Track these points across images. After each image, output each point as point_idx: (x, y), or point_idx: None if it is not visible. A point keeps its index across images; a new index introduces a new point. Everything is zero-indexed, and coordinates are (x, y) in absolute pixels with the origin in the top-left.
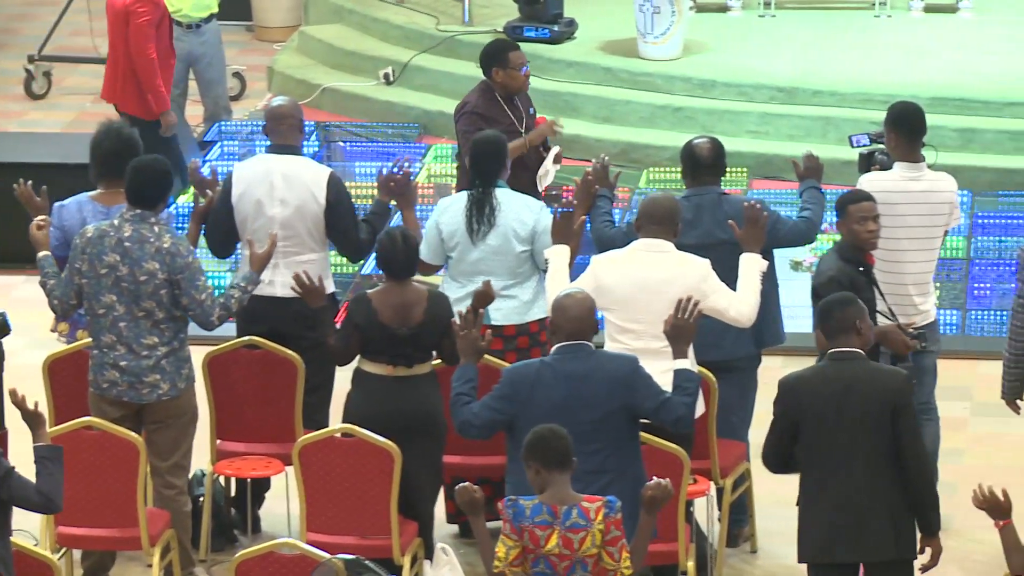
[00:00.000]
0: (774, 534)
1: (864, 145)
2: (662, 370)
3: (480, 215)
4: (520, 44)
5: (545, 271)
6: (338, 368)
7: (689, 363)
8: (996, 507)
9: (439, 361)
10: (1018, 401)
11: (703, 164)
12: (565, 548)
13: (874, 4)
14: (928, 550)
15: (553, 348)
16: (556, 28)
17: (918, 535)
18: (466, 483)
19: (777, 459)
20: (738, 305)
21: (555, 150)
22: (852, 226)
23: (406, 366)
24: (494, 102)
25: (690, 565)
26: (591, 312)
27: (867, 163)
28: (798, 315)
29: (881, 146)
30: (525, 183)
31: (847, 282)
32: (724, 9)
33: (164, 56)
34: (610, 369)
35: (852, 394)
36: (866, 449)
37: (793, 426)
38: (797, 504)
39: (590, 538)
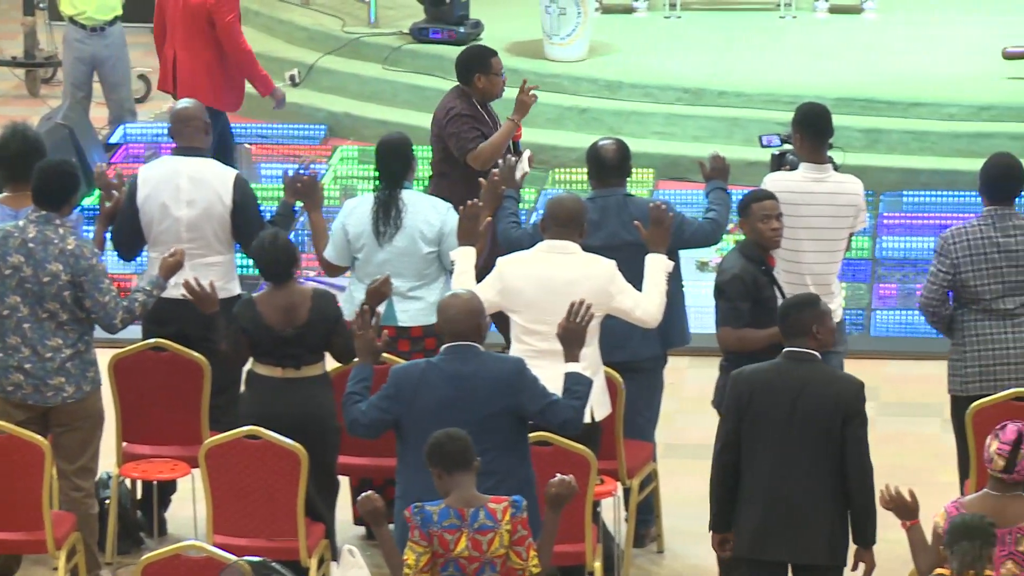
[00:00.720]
0: (681, 534)
1: (776, 145)
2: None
3: (386, 217)
4: (425, 46)
5: (452, 272)
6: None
7: (580, 367)
8: (903, 507)
9: (340, 365)
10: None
11: (608, 166)
12: (474, 550)
13: (779, 5)
14: (862, 565)
15: (441, 349)
16: (462, 30)
17: (850, 545)
18: (369, 492)
19: (729, 451)
20: (644, 306)
21: (527, 153)
22: (755, 224)
23: (294, 367)
24: (474, 107)
25: (597, 565)
26: (474, 313)
27: (779, 163)
28: (704, 315)
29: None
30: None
31: (750, 280)
32: (630, 10)
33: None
34: (495, 370)
35: (805, 395)
36: (811, 451)
37: (740, 420)
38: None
39: (498, 539)
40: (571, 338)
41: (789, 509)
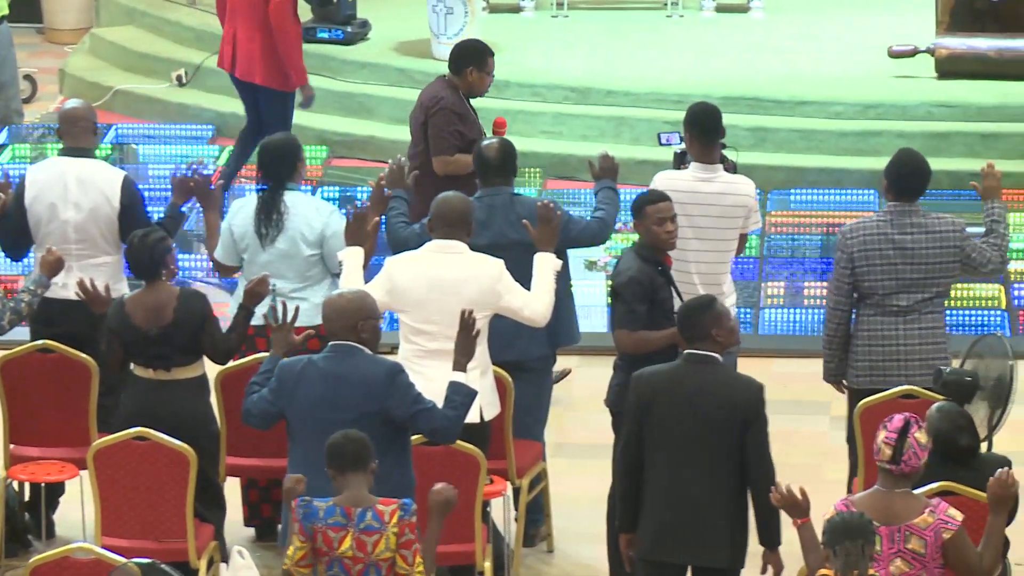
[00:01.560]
0: (570, 533)
1: (675, 144)
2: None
3: (268, 219)
4: (312, 46)
5: (338, 274)
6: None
7: (464, 376)
8: (794, 506)
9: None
10: (844, 382)
11: (491, 166)
12: (359, 551)
13: (666, 4)
14: (770, 567)
15: (327, 346)
16: (349, 29)
17: (751, 546)
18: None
19: (631, 452)
20: (533, 305)
21: None
22: (650, 227)
23: (164, 369)
24: (461, 101)
25: (487, 565)
26: (345, 313)
27: (680, 162)
28: (593, 315)
29: None
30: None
31: (647, 281)
32: (517, 9)
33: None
34: (367, 372)
35: (705, 397)
36: (711, 453)
37: (641, 422)
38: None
39: (384, 541)
40: (461, 347)
41: (690, 512)
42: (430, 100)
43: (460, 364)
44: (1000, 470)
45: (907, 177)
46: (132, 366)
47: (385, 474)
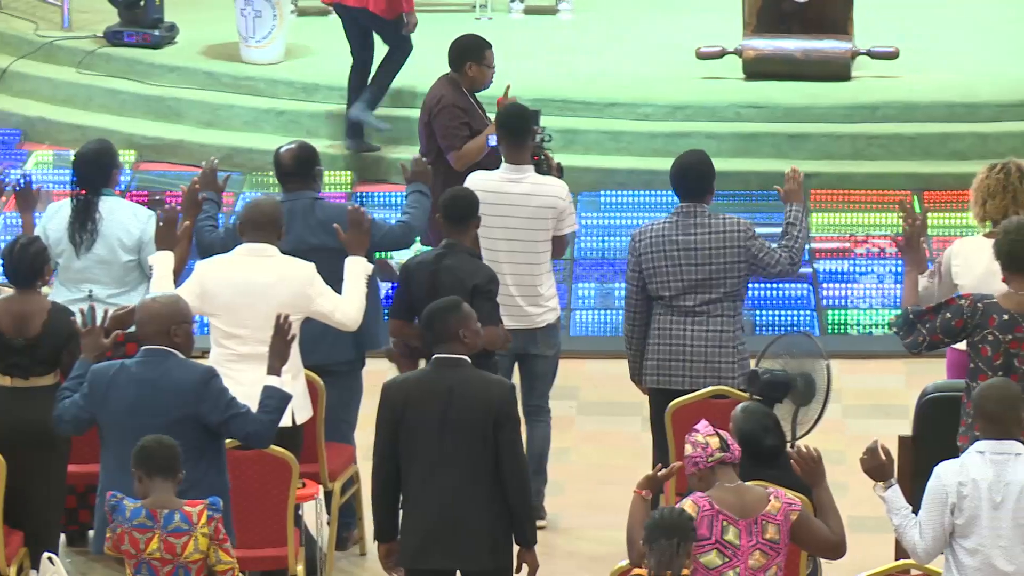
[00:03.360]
0: None
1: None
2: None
3: (83, 225)
4: (120, 49)
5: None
6: None
7: (278, 380)
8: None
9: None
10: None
11: (284, 170)
12: (167, 552)
13: (475, 6)
14: (525, 566)
15: (140, 350)
16: (157, 33)
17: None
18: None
19: (387, 462)
20: (343, 308)
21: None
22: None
23: (22, 377)
24: (464, 96)
25: (300, 569)
26: (157, 318)
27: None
28: None
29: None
30: None
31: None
32: (326, 12)
33: None
34: (178, 378)
35: (455, 400)
36: (466, 456)
37: (396, 430)
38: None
39: (193, 542)
40: (275, 352)
41: (450, 517)
42: (432, 100)
43: (274, 368)
44: (790, 450)
45: (685, 178)
46: None
47: (198, 478)
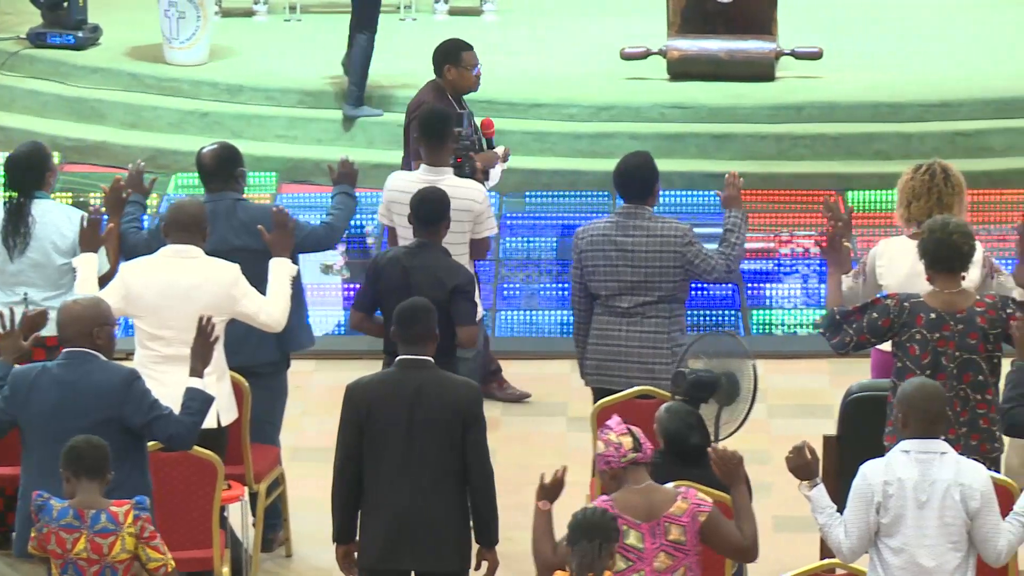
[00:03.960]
0: (309, 538)
1: None
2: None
3: (16, 228)
4: (43, 51)
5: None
6: None
7: (201, 382)
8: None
9: None
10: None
11: (207, 171)
12: (94, 553)
13: (399, 7)
14: (484, 563)
15: (61, 352)
16: (80, 34)
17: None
18: None
19: (350, 464)
20: (268, 310)
21: (502, 149)
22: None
23: None
24: (446, 101)
25: (225, 571)
26: (79, 320)
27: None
28: (330, 318)
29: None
30: None
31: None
32: (250, 13)
33: None
34: (100, 380)
35: (422, 402)
36: (434, 458)
37: (361, 432)
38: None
39: (120, 542)
40: (198, 353)
41: (417, 518)
42: (412, 105)
43: (197, 370)
44: (709, 449)
45: (629, 180)
46: None
47: (122, 480)
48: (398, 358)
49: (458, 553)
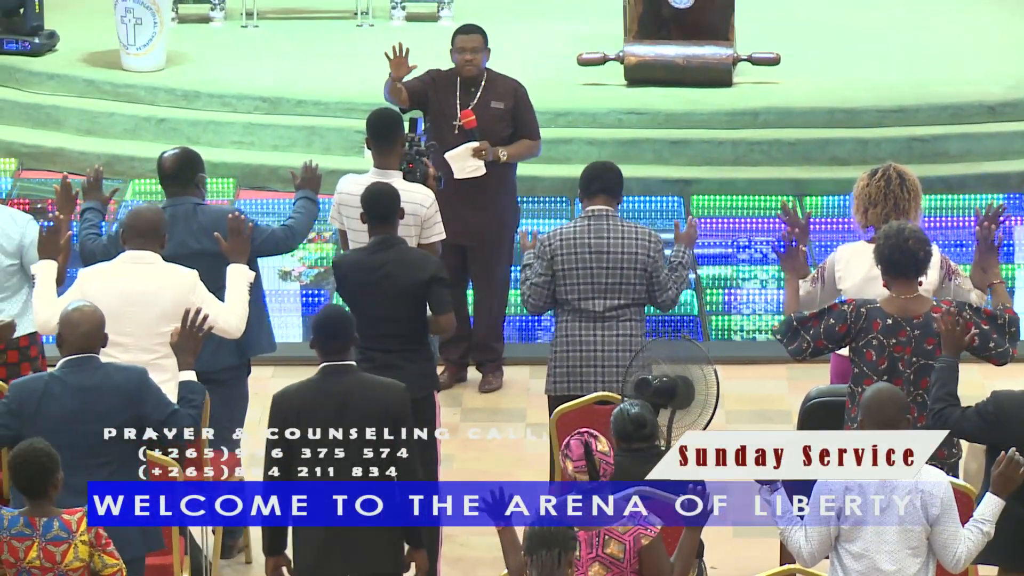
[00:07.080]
0: None
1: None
2: (160, 381)
3: None
4: (1, 57)
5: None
6: None
7: (192, 375)
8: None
9: None
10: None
11: (166, 176)
12: (47, 561)
13: (356, 14)
14: (413, 564)
15: (60, 362)
16: (36, 40)
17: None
18: None
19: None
20: (225, 316)
21: (474, 145)
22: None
23: None
24: (451, 74)
25: None
26: (100, 326)
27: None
28: (290, 325)
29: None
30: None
31: None
32: (206, 20)
33: None
34: (119, 381)
35: (350, 407)
36: (363, 463)
37: (289, 442)
38: None
39: (72, 550)
40: (183, 347)
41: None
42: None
43: (187, 363)
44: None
45: (601, 174)
46: None
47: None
48: (323, 365)
49: (392, 556)
